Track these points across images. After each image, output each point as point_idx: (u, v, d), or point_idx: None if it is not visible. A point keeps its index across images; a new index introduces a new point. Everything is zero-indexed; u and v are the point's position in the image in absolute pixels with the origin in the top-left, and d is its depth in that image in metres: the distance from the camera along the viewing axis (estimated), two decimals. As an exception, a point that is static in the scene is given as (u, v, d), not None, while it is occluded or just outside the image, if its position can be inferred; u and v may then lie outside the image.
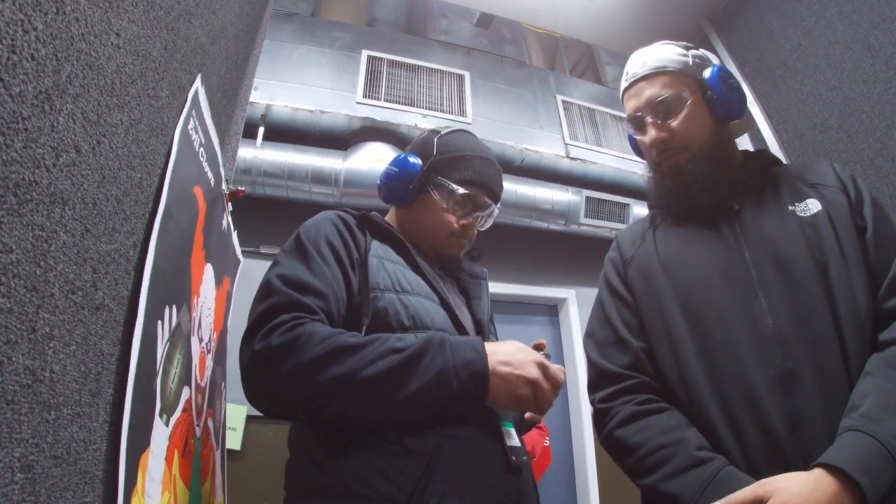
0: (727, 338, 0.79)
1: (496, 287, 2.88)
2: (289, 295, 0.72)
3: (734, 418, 0.76)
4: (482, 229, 1.01)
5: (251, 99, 1.77)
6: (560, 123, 3.11)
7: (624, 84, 0.96)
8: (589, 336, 0.95)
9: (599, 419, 0.87)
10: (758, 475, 0.68)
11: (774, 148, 1.46)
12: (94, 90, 0.37)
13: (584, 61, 4.20)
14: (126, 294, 0.47)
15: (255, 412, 2.24)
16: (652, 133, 0.90)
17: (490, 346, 0.74)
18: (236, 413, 2.15)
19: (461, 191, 0.93)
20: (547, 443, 2.66)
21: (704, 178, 0.88)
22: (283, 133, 2.53)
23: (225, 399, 1.15)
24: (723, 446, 0.75)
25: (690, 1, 1.72)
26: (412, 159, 0.95)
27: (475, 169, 0.95)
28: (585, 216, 2.93)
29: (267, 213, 2.48)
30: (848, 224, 0.80)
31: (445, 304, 0.85)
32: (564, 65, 4.05)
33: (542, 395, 0.74)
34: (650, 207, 1.02)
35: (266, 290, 0.75)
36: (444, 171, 0.94)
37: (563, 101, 3.22)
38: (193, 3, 0.59)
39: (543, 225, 2.93)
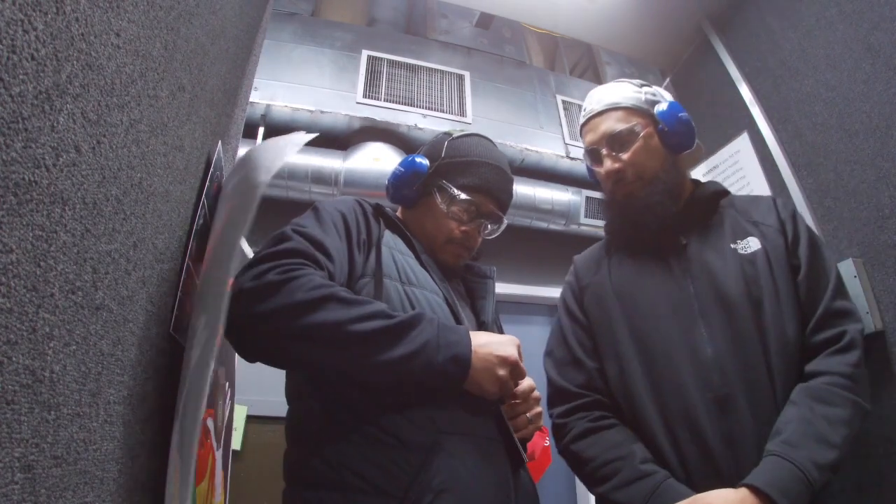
0: (671, 363, 0.87)
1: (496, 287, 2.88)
2: (302, 244, 0.73)
3: (675, 435, 0.83)
4: (489, 238, 0.99)
5: (251, 99, 1.77)
6: (560, 123, 3.10)
7: (581, 120, 1.04)
8: (548, 355, 1.03)
9: (557, 433, 0.95)
10: (696, 487, 0.77)
11: (775, 148, 1.46)
12: (94, 90, 0.37)
13: (584, 61, 4.20)
14: (126, 294, 0.47)
15: (256, 412, 2.24)
16: (607, 164, 0.97)
17: (473, 335, 0.75)
18: (236, 413, 2.15)
19: (463, 196, 0.92)
20: (547, 443, 2.66)
21: (654, 206, 0.95)
22: (283, 133, 2.53)
23: (230, 399, 1.14)
24: (665, 460, 0.83)
25: (690, 1, 1.72)
26: (419, 160, 0.95)
27: (481, 176, 0.93)
28: (585, 216, 2.93)
29: (267, 213, 2.48)
30: (783, 263, 0.88)
31: (449, 302, 0.85)
32: (564, 65, 4.05)
33: (517, 374, 0.77)
34: (606, 233, 1.09)
35: (280, 236, 0.75)
36: (450, 175, 0.94)
37: (563, 101, 3.22)
38: (193, 3, 0.59)
39: (543, 225, 2.92)
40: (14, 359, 0.30)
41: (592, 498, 2.90)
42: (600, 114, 0.98)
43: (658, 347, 0.88)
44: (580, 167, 3.02)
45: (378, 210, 0.92)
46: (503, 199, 0.97)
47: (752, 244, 0.91)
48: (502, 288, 3.03)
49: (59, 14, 0.31)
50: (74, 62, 0.34)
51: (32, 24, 0.29)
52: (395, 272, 0.81)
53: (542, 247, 3.10)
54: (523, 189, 2.83)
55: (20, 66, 0.28)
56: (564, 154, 2.98)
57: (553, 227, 2.95)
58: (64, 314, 0.36)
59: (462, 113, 2.85)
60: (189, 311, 0.70)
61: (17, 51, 0.28)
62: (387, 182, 1.00)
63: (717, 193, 1.00)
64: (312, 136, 0.77)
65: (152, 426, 0.59)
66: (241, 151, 2.26)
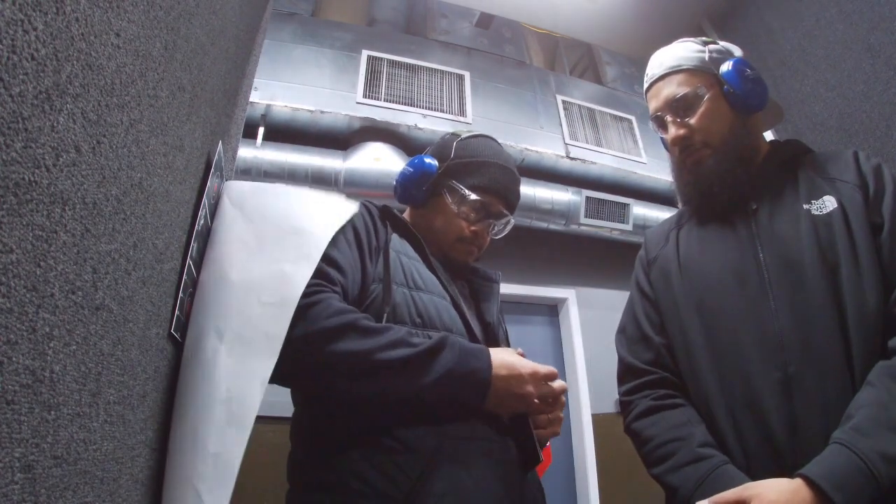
0: (735, 339, 0.80)
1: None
2: None
3: (736, 419, 0.77)
4: (496, 238, 1.00)
5: (251, 99, 1.77)
6: (560, 123, 3.10)
7: (645, 85, 0.98)
8: (620, 332, 0.99)
9: (623, 410, 0.91)
10: (756, 475, 0.70)
11: (774, 148, 1.46)
12: (94, 90, 0.37)
13: (584, 61, 4.20)
14: (126, 294, 0.47)
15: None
16: (672, 131, 0.91)
17: (494, 355, 0.75)
18: (236, 413, 2.15)
19: (473, 196, 0.92)
20: (547, 443, 2.66)
21: (724, 175, 0.88)
22: (283, 133, 2.53)
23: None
24: (726, 444, 0.77)
25: (690, 1, 1.72)
26: (428, 160, 0.96)
27: (490, 176, 0.94)
28: (585, 216, 2.93)
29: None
30: (863, 223, 0.77)
31: (456, 305, 0.85)
32: (564, 65, 4.04)
33: (545, 391, 0.78)
34: (682, 204, 1.03)
35: None
36: (459, 175, 0.94)
37: (563, 101, 3.22)
38: (193, 3, 0.59)
39: (543, 225, 2.92)
40: (14, 359, 0.30)
41: (593, 498, 2.88)
42: (662, 78, 0.93)
43: (722, 322, 0.83)
44: (580, 167, 3.02)
45: (385, 212, 0.92)
46: (511, 199, 0.98)
47: (827, 204, 0.81)
48: (503, 288, 3.01)
49: (59, 14, 0.31)
50: (74, 62, 0.34)
51: (32, 24, 0.29)
52: (403, 277, 0.81)
53: (542, 247, 3.10)
54: (523, 189, 2.81)
55: (20, 66, 0.28)
56: (564, 154, 2.98)
57: (553, 227, 2.95)
58: (64, 314, 0.36)
59: (462, 113, 2.85)
60: (189, 310, 0.70)
61: (17, 51, 0.28)
62: (395, 182, 1.00)
63: (796, 152, 0.92)
64: (356, 204, 0.86)
65: (152, 426, 0.59)
66: (242, 151, 2.26)
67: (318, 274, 0.73)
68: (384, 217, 0.91)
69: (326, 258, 0.76)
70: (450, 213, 0.93)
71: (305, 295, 0.69)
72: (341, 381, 0.70)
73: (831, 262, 0.77)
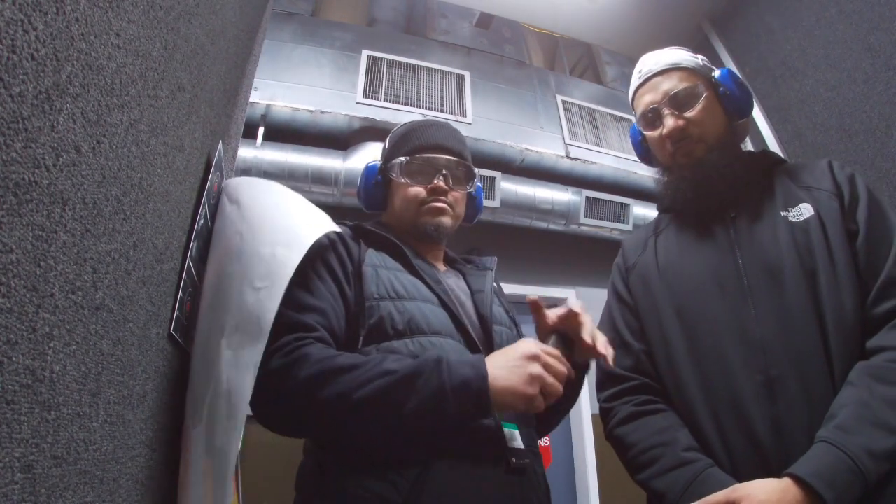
0: (717, 344, 0.82)
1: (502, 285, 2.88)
2: (288, 315, 0.73)
3: (720, 422, 0.78)
4: (470, 189, 1.01)
5: (251, 99, 1.77)
6: (560, 123, 3.10)
7: (637, 82, 0.99)
8: None
9: (603, 417, 0.92)
10: (741, 477, 0.71)
11: (774, 148, 1.46)
12: (94, 90, 0.37)
13: (584, 61, 4.20)
14: (126, 294, 0.47)
15: (255, 412, 2.24)
16: (669, 122, 0.92)
17: (490, 361, 0.71)
18: (236, 413, 2.15)
19: (412, 159, 0.96)
20: (546, 442, 2.66)
21: (724, 170, 0.89)
22: (283, 133, 2.53)
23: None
24: (710, 448, 0.78)
25: (690, 1, 1.72)
26: (370, 164, 1.03)
27: (419, 136, 0.98)
28: (585, 216, 2.93)
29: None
30: (839, 229, 0.80)
31: (445, 306, 0.84)
32: (564, 65, 4.05)
33: (548, 389, 0.70)
34: (660, 211, 1.04)
35: None
36: (395, 154, 0.99)
37: (563, 101, 3.22)
38: (193, 3, 0.59)
39: (543, 225, 2.92)
40: (14, 359, 0.30)
41: (593, 498, 2.88)
42: (660, 73, 0.95)
43: (703, 327, 0.84)
44: (580, 167, 3.02)
45: (357, 231, 0.92)
46: (454, 146, 0.99)
47: (804, 211, 0.83)
48: (503, 288, 3.01)
49: (59, 14, 0.31)
50: (74, 62, 0.34)
51: (32, 24, 0.29)
52: (384, 290, 0.81)
53: (542, 247, 3.10)
54: (523, 189, 2.83)
55: (20, 66, 0.28)
56: (564, 154, 2.97)
57: (553, 227, 2.94)
58: (64, 314, 0.36)
59: (462, 113, 2.85)
60: (189, 310, 0.70)
61: (17, 51, 0.28)
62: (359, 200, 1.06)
63: (771, 162, 0.95)
64: (334, 229, 0.85)
65: (152, 426, 0.59)
66: (242, 151, 2.26)
67: (294, 326, 0.72)
68: (357, 236, 0.90)
69: (298, 305, 0.75)
70: (403, 188, 0.96)
71: (285, 354, 0.69)
72: (334, 427, 0.70)
73: (809, 268, 0.79)
